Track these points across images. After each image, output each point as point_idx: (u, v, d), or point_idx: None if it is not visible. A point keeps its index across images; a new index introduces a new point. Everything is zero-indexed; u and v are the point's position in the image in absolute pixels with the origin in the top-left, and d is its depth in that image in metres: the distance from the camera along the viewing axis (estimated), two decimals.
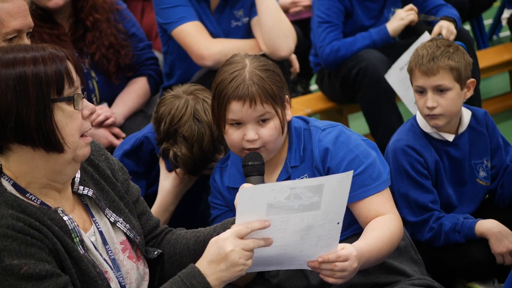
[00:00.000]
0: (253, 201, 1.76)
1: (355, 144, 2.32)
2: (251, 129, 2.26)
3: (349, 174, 1.80)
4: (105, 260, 1.92)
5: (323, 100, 4.34)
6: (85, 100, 1.87)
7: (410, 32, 4.06)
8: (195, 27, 3.35)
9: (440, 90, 2.62)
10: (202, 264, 1.82)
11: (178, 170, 2.62)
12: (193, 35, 3.33)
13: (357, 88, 3.78)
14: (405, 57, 3.70)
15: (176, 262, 2.08)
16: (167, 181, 2.67)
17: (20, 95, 1.75)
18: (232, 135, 2.29)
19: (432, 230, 2.63)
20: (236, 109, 2.25)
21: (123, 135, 3.27)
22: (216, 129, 2.41)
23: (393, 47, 3.91)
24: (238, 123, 2.28)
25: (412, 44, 3.65)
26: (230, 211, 2.46)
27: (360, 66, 3.72)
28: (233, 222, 2.01)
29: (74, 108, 1.82)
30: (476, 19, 5.96)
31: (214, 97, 2.31)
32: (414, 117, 2.77)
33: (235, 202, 2.21)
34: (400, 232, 2.26)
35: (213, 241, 1.83)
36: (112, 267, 1.93)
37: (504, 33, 6.57)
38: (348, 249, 1.96)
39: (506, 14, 4.71)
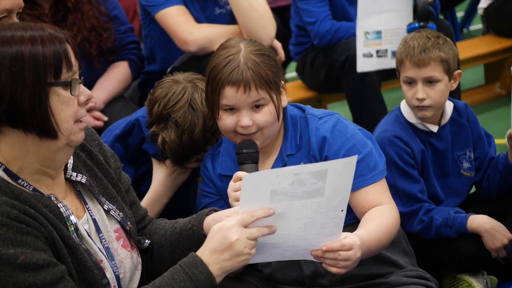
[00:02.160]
0: (257, 187, 1.72)
1: (352, 134, 2.29)
2: (245, 115, 2.21)
3: (353, 159, 1.77)
4: (99, 248, 1.86)
5: (301, 89, 4.31)
6: (81, 86, 1.79)
7: None
8: (180, 11, 3.27)
9: (429, 81, 2.61)
10: (204, 253, 1.76)
11: (167, 161, 2.56)
12: (177, 20, 3.25)
13: (343, 75, 3.74)
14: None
15: (155, 253, 2.03)
16: (159, 171, 2.61)
17: (15, 76, 1.66)
18: (226, 120, 2.24)
19: (422, 223, 2.63)
20: (230, 95, 2.19)
21: (105, 118, 3.19)
22: (209, 115, 2.35)
23: None
24: (232, 109, 2.23)
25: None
26: (221, 199, 2.41)
27: (349, 53, 3.69)
28: (208, 214, 1.97)
29: (71, 93, 1.74)
30: (450, 12, 6.00)
31: (208, 82, 2.25)
32: (398, 108, 2.76)
33: (228, 190, 2.16)
34: (397, 223, 2.24)
35: (215, 229, 1.77)
36: (106, 256, 1.87)
37: (474, 26, 6.63)
38: (352, 238, 1.92)
39: (483, 4, 4.73)
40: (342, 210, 1.82)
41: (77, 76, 1.77)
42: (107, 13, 3.33)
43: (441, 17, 6.25)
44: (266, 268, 2.32)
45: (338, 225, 1.85)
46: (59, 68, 1.71)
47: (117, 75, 3.36)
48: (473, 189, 2.90)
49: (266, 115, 2.22)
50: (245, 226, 1.76)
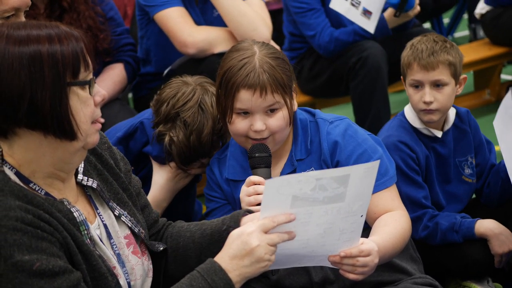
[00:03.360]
0: (279, 193, 1.69)
1: (363, 139, 2.27)
2: (259, 119, 2.17)
3: (375, 164, 1.75)
4: (111, 255, 1.80)
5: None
6: (96, 86, 1.74)
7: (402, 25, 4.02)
8: (180, 13, 3.24)
9: (437, 85, 2.60)
10: (223, 259, 1.71)
11: (171, 164, 2.51)
12: (177, 21, 3.21)
13: (352, 76, 3.71)
14: None
15: (180, 256, 1.98)
16: (159, 175, 2.56)
17: (35, 76, 1.60)
18: (239, 124, 2.20)
19: (427, 229, 2.61)
20: (245, 98, 2.15)
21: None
22: (220, 118, 2.30)
23: (387, 39, 3.86)
24: (245, 113, 2.19)
25: None
26: (227, 204, 2.37)
27: (361, 55, 3.66)
28: (244, 214, 1.93)
29: (90, 93, 1.69)
30: (437, 19, 6.03)
31: (221, 85, 2.20)
32: (402, 113, 2.75)
33: (241, 195, 2.12)
34: (410, 229, 2.23)
35: (235, 235, 1.73)
36: (118, 262, 1.81)
37: (459, 33, 6.67)
38: (370, 244, 1.90)
39: (481, 10, 4.74)
40: (361, 216, 1.80)
41: (92, 76, 1.72)
42: (103, 14, 3.29)
43: (428, 24, 6.31)
44: (273, 274, 2.28)
45: (357, 230, 1.83)
46: (77, 67, 1.66)
47: (112, 77, 3.31)
48: (473, 196, 2.90)
49: (279, 119, 2.19)
50: (266, 232, 1.72)
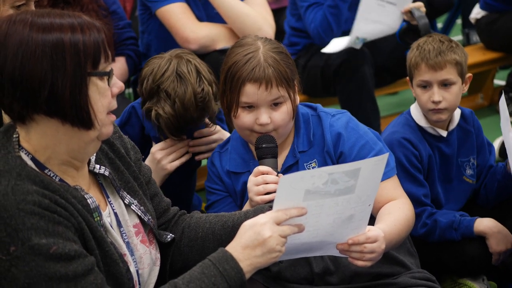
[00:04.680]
0: (292, 187, 1.73)
1: (364, 131, 2.34)
2: (264, 113, 2.21)
3: (384, 157, 1.80)
4: (122, 242, 1.83)
5: None
6: (114, 77, 1.76)
7: None
8: (182, 9, 3.26)
9: (445, 84, 2.65)
10: (235, 249, 1.75)
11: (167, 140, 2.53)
12: (180, 17, 3.24)
13: (338, 79, 3.76)
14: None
15: (197, 246, 2.01)
16: (149, 160, 2.58)
17: (56, 65, 1.63)
18: (244, 118, 2.24)
19: (426, 226, 2.65)
20: (251, 92, 2.19)
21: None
22: (225, 113, 2.33)
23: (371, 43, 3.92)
24: (250, 106, 2.23)
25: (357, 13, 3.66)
26: (228, 197, 2.41)
27: (344, 58, 3.71)
28: (267, 209, 1.95)
29: (108, 84, 1.71)
30: (431, 23, 6.07)
31: (226, 80, 2.24)
32: (408, 112, 2.79)
33: (249, 184, 2.15)
34: (413, 216, 2.28)
35: (248, 225, 1.76)
36: (127, 250, 1.84)
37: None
38: (376, 231, 1.94)
39: (476, 14, 4.80)
40: (369, 205, 1.85)
41: (111, 67, 1.75)
42: (106, 7, 3.31)
43: None
44: (274, 266, 2.31)
45: (364, 219, 1.88)
46: (98, 58, 1.69)
47: (114, 70, 3.32)
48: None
49: (283, 113, 2.23)
50: (278, 224, 1.76)
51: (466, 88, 2.73)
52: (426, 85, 2.67)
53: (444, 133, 2.73)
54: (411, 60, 2.69)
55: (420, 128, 2.73)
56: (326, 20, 3.81)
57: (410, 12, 3.64)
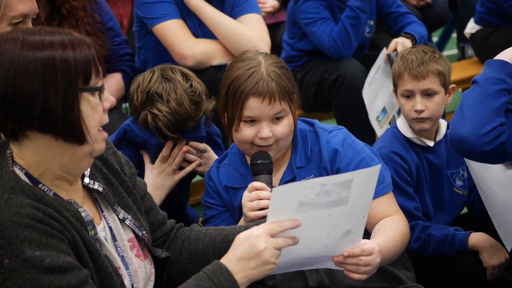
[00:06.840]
0: (285, 199, 1.74)
1: (360, 147, 2.35)
2: (266, 127, 2.23)
3: (377, 168, 1.81)
4: (116, 256, 1.85)
5: None
6: (105, 92, 1.79)
7: (375, 46, 4.15)
8: (178, 26, 3.29)
9: (428, 94, 2.68)
10: (230, 261, 1.76)
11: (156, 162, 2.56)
12: (176, 34, 3.27)
13: (333, 95, 3.79)
14: (372, 72, 3.76)
15: (197, 259, 2.02)
16: (148, 173, 2.60)
17: (48, 81, 1.65)
18: (245, 132, 2.25)
19: (419, 240, 2.66)
20: (254, 106, 2.22)
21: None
22: (225, 128, 2.35)
23: (364, 59, 3.95)
24: (252, 120, 2.25)
25: (377, 59, 3.71)
26: (226, 212, 2.41)
27: (339, 72, 3.73)
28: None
29: (99, 99, 1.74)
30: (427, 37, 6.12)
31: (228, 94, 2.26)
32: (395, 125, 2.81)
33: (243, 200, 2.16)
34: (409, 232, 2.29)
35: (242, 238, 1.78)
36: (122, 263, 1.85)
37: (448, 51, 6.77)
38: (371, 244, 1.95)
39: (471, 29, 4.83)
40: (363, 217, 1.86)
41: (101, 83, 1.77)
42: (101, 21, 3.34)
43: None
44: (269, 280, 2.32)
45: (359, 231, 1.89)
46: (89, 74, 1.71)
47: (110, 86, 3.36)
48: (465, 210, 2.95)
49: (285, 126, 2.25)
50: (272, 236, 1.77)
51: (450, 99, 2.76)
52: (409, 95, 2.70)
53: (430, 143, 2.75)
54: (395, 70, 2.73)
55: (407, 140, 2.75)
56: (345, 31, 3.81)
57: (388, 56, 3.75)
